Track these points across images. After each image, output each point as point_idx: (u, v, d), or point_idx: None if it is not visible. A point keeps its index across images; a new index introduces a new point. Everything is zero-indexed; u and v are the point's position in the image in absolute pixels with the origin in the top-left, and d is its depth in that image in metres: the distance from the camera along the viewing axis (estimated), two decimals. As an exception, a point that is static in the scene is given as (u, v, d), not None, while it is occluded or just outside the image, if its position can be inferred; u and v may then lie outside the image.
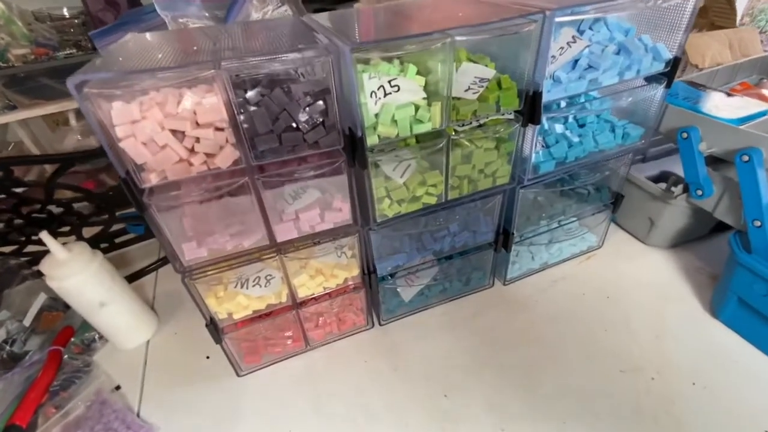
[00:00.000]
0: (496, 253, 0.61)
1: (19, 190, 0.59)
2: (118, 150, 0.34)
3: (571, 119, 0.55)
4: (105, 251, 0.75)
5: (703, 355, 0.54)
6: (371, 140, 0.41)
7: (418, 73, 0.42)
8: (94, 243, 0.71)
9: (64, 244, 0.57)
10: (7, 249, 0.68)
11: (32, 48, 1.62)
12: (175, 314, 0.67)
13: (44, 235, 0.49)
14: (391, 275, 0.57)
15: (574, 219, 0.64)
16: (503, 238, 0.59)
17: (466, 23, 0.38)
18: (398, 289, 0.60)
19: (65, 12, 1.63)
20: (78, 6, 1.61)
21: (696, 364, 0.53)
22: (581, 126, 0.55)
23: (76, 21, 1.63)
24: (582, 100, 0.55)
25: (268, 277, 0.49)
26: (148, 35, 0.46)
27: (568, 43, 0.45)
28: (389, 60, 0.41)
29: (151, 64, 0.33)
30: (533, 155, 0.50)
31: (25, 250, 0.68)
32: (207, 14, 0.78)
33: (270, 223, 0.44)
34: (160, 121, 0.34)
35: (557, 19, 0.41)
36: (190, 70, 0.32)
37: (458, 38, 0.37)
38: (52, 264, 0.51)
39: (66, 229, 0.68)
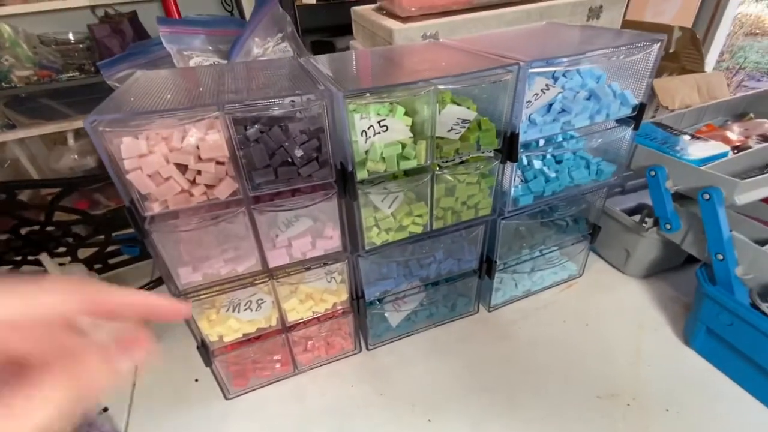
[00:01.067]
0: (480, 280, 0.64)
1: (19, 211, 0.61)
2: (125, 180, 0.36)
3: (548, 156, 0.59)
4: (99, 272, 0.76)
5: (676, 381, 0.56)
6: (361, 174, 0.44)
7: (406, 114, 0.46)
8: (88, 264, 0.72)
9: (60, 265, 0.58)
10: (3, 269, 0.69)
11: (36, 70, 1.67)
12: (164, 336, 0.68)
13: (44, 258, 0.51)
14: (379, 300, 0.59)
15: (555, 248, 0.67)
16: (487, 266, 0.62)
17: (448, 73, 0.42)
18: (386, 314, 0.62)
19: (71, 37, 1.69)
20: (83, 31, 1.68)
21: (670, 390, 0.55)
22: (558, 162, 0.59)
23: (80, 46, 1.69)
24: (559, 138, 0.60)
25: (259, 302, 0.51)
26: (156, 73, 0.49)
27: (542, 90, 0.49)
28: (379, 102, 0.45)
29: (160, 104, 0.37)
30: (513, 189, 0.54)
31: (21, 270, 0.69)
32: (211, 48, 0.82)
33: (263, 250, 0.46)
34: (166, 155, 0.37)
35: (531, 70, 0.45)
36: (196, 111, 0.36)
37: (441, 86, 0.41)
38: (48, 285, 0.52)
39: (62, 250, 0.70)
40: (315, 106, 0.40)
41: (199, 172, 0.38)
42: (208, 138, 0.38)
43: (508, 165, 0.51)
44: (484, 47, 0.54)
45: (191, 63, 0.77)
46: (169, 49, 0.79)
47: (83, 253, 0.73)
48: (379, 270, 0.57)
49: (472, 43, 0.57)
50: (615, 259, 0.74)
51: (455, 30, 0.69)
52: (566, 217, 0.66)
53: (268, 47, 0.77)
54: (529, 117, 0.50)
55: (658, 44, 0.51)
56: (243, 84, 0.43)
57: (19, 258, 0.68)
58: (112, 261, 0.79)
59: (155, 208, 0.38)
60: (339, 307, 0.57)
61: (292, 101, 0.41)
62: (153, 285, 0.78)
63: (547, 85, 0.49)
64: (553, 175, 0.57)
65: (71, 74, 1.61)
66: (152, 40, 0.86)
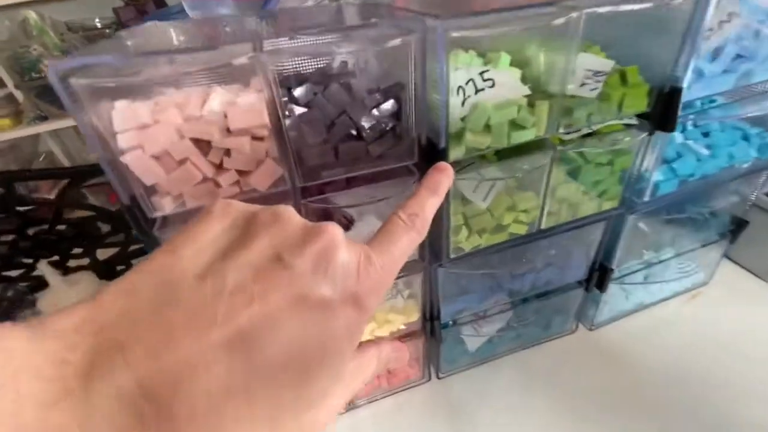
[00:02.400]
0: (586, 293, 0.49)
1: (24, 208, 0.52)
2: (119, 167, 0.24)
3: (690, 126, 0.43)
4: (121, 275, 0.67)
5: None
6: (456, 152, 0.30)
7: (512, 64, 0.32)
8: (110, 266, 0.63)
9: (68, 271, 0.49)
10: (15, 273, 0.60)
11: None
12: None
13: (43, 266, 0.41)
14: (454, 321, 0.46)
15: (685, 251, 0.51)
16: (599, 276, 0.47)
17: (597, -9, 0.28)
18: (462, 336, 0.48)
19: (97, 23, 1.62)
20: (110, 16, 1.61)
21: None
22: (705, 135, 0.43)
23: (107, 31, 1.62)
24: (697, 104, 0.43)
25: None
26: (172, 23, 0.37)
27: (719, 23, 0.33)
28: (465, 49, 0.31)
29: (170, 48, 0.24)
30: (653, 173, 0.38)
31: (34, 274, 0.61)
32: (240, 14, 0.70)
33: (316, 261, 0.33)
34: (179, 126, 0.24)
35: (715, -12, 0.30)
36: (221, 53, 0.23)
37: (595, 10, 0.27)
38: (50, 300, 0.43)
39: (78, 251, 0.61)
40: (380, 52, 0.27)
41: (227, 152, 0.26)
42: (239, 101, 0.26)
43: (658, 137, 0.36)
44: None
45: (217, 29, 0.65)
46: (192, 17, 0.67)
47: (103, 253, 0.64)
48: (459, 282, 0.44)
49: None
50: (756, 263, 0.57)
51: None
52: (705, 211, 0.50)
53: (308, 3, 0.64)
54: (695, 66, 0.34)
55: None
56: (288, 24, 0.30)
57: (30, 260, 0.59)
58: (135, 261, 0.69)
59: (166, 206, 0.26)
60: (406, 329, 0.44)
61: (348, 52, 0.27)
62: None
63: (729, 14, 0.33)
64: (704, 152, 0.41)
65: (99, 61, 1.55)
66: (173, 8, 0.75)
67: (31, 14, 1.45)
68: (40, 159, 1.75)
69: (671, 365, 0.49)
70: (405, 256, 0.18)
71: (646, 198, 0.40)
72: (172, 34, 0.31)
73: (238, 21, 0.37)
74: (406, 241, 0.18)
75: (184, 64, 0.22)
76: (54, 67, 0.20)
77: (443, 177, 0.21)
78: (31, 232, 0.55)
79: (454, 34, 0.24)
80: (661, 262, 0.50)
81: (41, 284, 0.58)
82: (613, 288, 0.52)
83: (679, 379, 0.47)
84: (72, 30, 1.56)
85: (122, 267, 0.68)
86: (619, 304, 0.53)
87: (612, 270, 0.46)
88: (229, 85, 0.29)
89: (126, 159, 0.24)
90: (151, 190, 0.26)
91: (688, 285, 0.56)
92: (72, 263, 0.62)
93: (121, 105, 0.24)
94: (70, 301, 0.38)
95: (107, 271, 0.64)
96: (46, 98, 1.61)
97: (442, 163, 0.21)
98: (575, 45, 0.28)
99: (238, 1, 0.74)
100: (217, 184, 0.26)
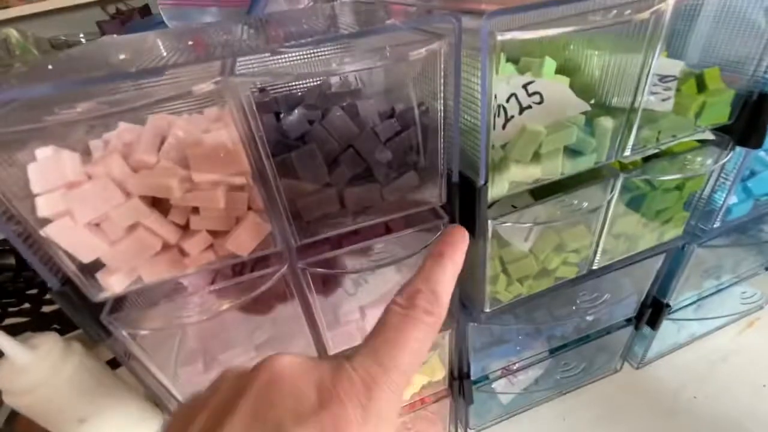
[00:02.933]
0: (636, 330, 0.42)
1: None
2: (41, 242, 0.17)
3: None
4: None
5: None
6: (497, 190, 0.23)
7: (557, 71, 0.25)
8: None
9: (43, 318, 0.42)
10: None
11: (50, 76, 1.55)
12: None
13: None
14: (486, 375, 0.39)
15: (746, 276, 0.44)
16: (652, 312, 0.40)
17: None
18: (493, 387, 0.41)
19: (82, 38, 1.56)
20: (94, 31, 1.55)
21: None
22: None
23: (92, 46, 1.56)
24: None
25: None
26: (132, 36, 0.31)
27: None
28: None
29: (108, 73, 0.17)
30: (730, 195, 0.31)
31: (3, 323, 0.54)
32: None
33: (319, 329, 0.26)
34: (123, 181, 0.18)
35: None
36: (179, 76, 0.16)
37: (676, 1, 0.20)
38: (7, 372, 0.36)
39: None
40: (415, 61, 0.20)
41: (195, 210, 0.19)
42: (207, 138, 0.19)
43: (739, 154, 0.29)
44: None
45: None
46: (171, 27, 0.61)
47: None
48: (492, 333, 0.37)
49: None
50: (822, 283, 0.50)
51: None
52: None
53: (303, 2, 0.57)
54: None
55: None
56: (274, 32, 0.23)
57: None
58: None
59: (116, 285, 0.19)
60: (430, 390, 0.37)
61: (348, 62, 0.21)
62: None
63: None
64: (783, 165, 0.34)
65: (85, 78, 1.49)
66: (155, 18, 0.68)
67: (13, 33, 1.38)
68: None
69: (727, 404, 0.42)
70: (418, 359, 0.12)
71: (717, 224, 0.33)
72: (122, 54, 0.24)
73: (217, 30, 0.30)
74: (414, 338, 0.12)
75: (114, 104, 0.15)
76: None
77: (455, 239, 0.15)
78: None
79: (501, 38, 0.18)
80: (719, 290, 0.44)
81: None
82: (664, 322, 0.45)
83: (736, 421, 0.40)
84: (56, 47, 1.50)
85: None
86: (670, 337, 0.46)
87: (668, 306, 0.39)
88: (201, 110, 0.22)
89: (48, 232, 0.17)
90: (94, 265, 0.19)
91: (744, 310, 0.49)
92: (47, 309, 0.55)
93: (43, 154, 0.17)
94: (30, 371, 0.31)
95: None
96: (32, 118, 1.55)
97: (452, 226, 0.15)
98: (655, 44, 0.21)
99: (224, 6, 0.67)
100: (183, 253, 0.20)
